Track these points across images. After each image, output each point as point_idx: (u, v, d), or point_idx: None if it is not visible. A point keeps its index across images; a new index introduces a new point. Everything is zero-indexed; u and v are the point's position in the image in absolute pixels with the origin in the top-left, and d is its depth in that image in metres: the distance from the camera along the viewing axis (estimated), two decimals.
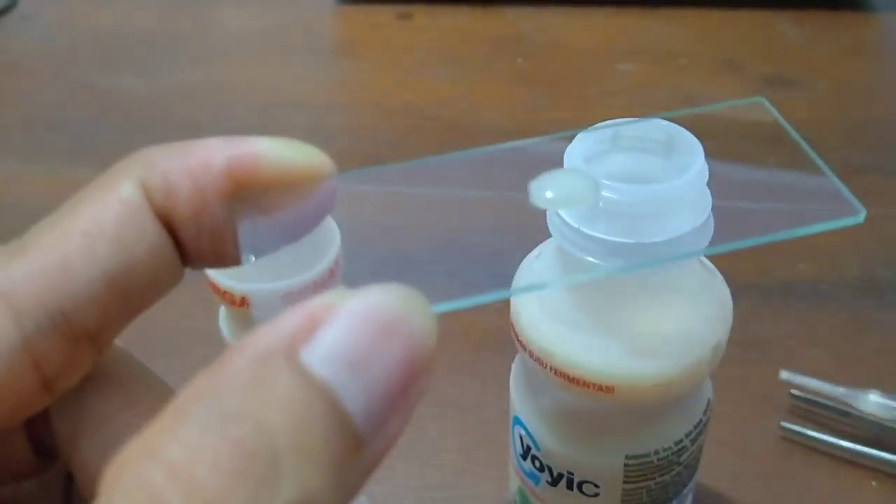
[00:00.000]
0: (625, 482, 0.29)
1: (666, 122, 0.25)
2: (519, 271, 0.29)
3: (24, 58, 0.72)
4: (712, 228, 0.25)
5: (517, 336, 0.28)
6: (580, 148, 0.25)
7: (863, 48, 0.66)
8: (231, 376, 0.13)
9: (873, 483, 0.37)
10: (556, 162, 0.22)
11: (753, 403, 0.40)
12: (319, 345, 0.13)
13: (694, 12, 0.70)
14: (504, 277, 0.19)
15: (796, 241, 0.49)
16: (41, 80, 0.68)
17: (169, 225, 0.17)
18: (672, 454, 0.29)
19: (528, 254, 0.30)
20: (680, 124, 0.25)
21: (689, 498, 0.32)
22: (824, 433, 0.38)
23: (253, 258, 0.17)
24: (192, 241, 0.17)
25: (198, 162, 0.17)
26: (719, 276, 0.28)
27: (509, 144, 0.21)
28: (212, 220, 0.17)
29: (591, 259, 0.25)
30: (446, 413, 0.41)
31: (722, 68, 0.64)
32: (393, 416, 0.14)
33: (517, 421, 0.31)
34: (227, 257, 0.17)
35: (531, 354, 0.27)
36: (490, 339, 0.44)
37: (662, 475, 0.29)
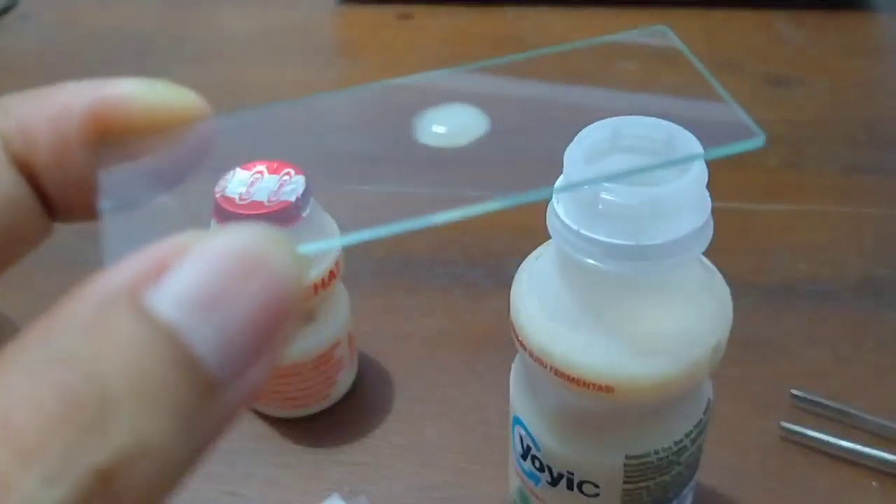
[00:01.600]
0: (625, 482, 0.29)
1: (666, 123, 0.25)
2: (519, 272, 0.29)
3: (24, 58, 0.72)
4: (712, 229, 0.25)
5: (517, 336, 0.28)
6: (580, 148, 0.25)
7: (863, 48, 0.66)
8: (66, 321, 0.12)
9: (873, 483, 0.37)
10: (446, 98, 0.22)
11: (753, 403, 0.40)
12: (167, 286, 0.12)
13: (694, 12, 0.70)
14: (380, 220, 0.18)
15: (796, 242, 0.50)
16: (41, 80, 0.68)
17: (30, 175, 0.16)
18: (672, 454, 0.29)
19: (527, 255, 0.30)
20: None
21: (689, 498, 0.32)
22: (824, 433, 0.38)
23: (112, 207, 0.16)
24: (56, 192, 0.16)
25: (58, 106, 0.16)
26: (719, 276, 0.28)
27: (396, 81, 0.21)
28: (76, 168, 0.16)
29: (590, 261, 0.25)
30: (446, 413, 0.41)
31: (722, 68, 0.64)
32: (254, 361, 0.13)
33: (517, 421, 0.31)
34: (96, 209, 0.16)
35: (531, 354, 0.27)
36: (490, 339, 0.44)
37: (662, 475, 0.29)
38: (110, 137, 0.16)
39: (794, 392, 0.40)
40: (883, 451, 0.37)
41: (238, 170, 0.36)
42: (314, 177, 0.21)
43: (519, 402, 0.30)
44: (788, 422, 0.39)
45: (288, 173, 0.36)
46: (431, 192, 0.20)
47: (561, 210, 0.25)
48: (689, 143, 0.25)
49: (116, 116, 0.16)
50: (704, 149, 0.19)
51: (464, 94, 0.21)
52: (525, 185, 0.18)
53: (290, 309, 0.13)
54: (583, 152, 0.25)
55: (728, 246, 0.49)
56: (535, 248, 0.30)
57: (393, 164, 0.21)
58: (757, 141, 0.18)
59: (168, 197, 0.17)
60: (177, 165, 0.17)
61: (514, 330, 0.28)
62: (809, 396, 0.39)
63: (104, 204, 0.16)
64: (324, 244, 0.16)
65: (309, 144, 0.22)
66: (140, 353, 0.12)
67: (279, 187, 0.35)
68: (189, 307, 0.12)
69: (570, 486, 0.30)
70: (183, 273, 0.13)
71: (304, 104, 0.20)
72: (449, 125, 0.20)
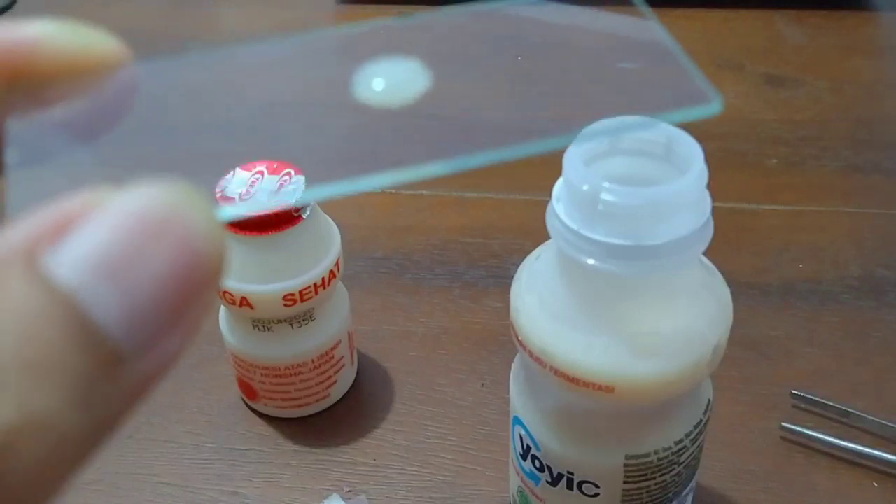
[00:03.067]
0: (625, 482, 0.29)
1: (666, 126, 0.25)
2: (519, 272, 0.29)
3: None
4: (712, 229, 0.25)
5: (517, 336, 0.28)
6: (580, 150, 0.25)
7: (863, 48, 0.66)
8: None
9: (874, 483, 0.37)
10: (383, 49, 0.19)
11: (753, 403, 0.40)
12: (69, 247, 0.11)
13: (694, 12, 0.70)
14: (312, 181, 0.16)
15: (796, 241, 0.50)
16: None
17: None
18: (672, 454, 0.29)
19: (527, 255, 0.30)
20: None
21: (689, 498, 0.32)
22: (824, 433, 0.38)
23: (20, 160, 0.14)
24: None
25: None
26: (719, 276, 0.28)
27: (336, 30, 0.19)
28: None
29: (590, 261, 0.25)
30: (446, 413, 0.41)
31: (722, 68, 0.64)
32: (167, 332, 0.12)
33: (517, 421, 0.31)
34: (2, 162, 0.15)
35: (531, 354, 0.27)
36: (490, 339, 0.44)
37: (662, 475, 0.29)
38: (20, 84, 0.14)
39: (795, 392, 0.40)
40: (883, 451, 0.37)
41: (238, 170, 0.37)
42: (241, 138, 0.20)
43: (519, 402, 0.30)
44: (788, 422, 0.39)
45: (288, 173, 0.36)
46: (371, 153, 0.18)
47: (561, 210, 0.25)
48: (690, 146, 0.25)
49: (26, 61, 0.14)
50: (659, 113, 0.18)
51: (406, 47, 0.19)
52: (467, 148, 0.17)
53: (208, 274, 0.12)
54: (582, 154, 0.25)
55: (728, 246, 0.49)
56: (535, 248, 0.30)
57: (329, 123, 0.19)
58: (712, 107, 0.17)
59: (85, 152, 0.15)
60: (95, 117, 0.15)
61: (514, 330, 0.28)
62: (809, 396, 0.39)
63: (11, 156, 0.14)
64: (247, 206, 0.15)
65: (236, 101, 0.21)
66: (33, 318, 0.11)
67: (279, 187, 0.35)
68: (90, 270, 0.11)
69: (570, 486, 0.30)
70: (87, 233, 0.12)
71: (232, 52, 0.18)
72: (389, 80, 0.19)
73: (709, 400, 0.30)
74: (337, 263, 0.38)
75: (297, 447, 0.40)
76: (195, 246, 0.12)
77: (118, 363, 0.11)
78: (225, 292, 0.36)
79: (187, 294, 0.12)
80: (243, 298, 0.36)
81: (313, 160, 0.18)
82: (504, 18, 0.22)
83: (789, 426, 0.38)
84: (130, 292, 0.11)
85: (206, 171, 0.13)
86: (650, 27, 0.19)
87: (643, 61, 0.20)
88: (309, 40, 0.19)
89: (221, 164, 0.19)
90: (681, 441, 0.29)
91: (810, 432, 0.38)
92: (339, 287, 0.40)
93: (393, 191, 0.54)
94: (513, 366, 0.32)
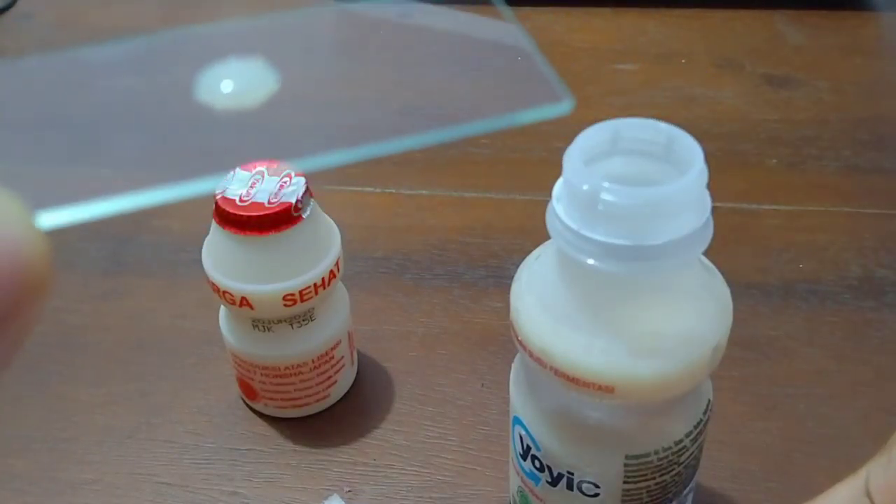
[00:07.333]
0: (625, 482, 0.29)
1: (666, 125, 0.25)
2: (519, 272, 0.29)
3: (24, 58, 0.72)
4: (712, 229, 0.25)
5: (517, 336, 0.28)
6: (580, 150, 0.25)
7: (863, 48, 0.66)
8: None
9: None
10: (224, 51, 0.19)
11: (753, 403, 0.40)
12: None
13: (694, 12, 0.70)
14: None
15: (796, 242, 0.50)
16: (41, 79, 0.68)
17: None
18: (672, 454, 0.29)
19: (527, 255, 0.30)
20: None
21: (689, 498, 0.32)
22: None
23: None
24: None
25: None
26: (719, 276, 0.28)
27: (171, 32, 0.19)
28: None
29: (590, 261, 0.25)
30: (446, 413, 0.41)
31: (722, 68, 0.64)
32: None
33: (517, 421, 0.31)
34: None
35: (531, 354, 0.27)
36: (490, 339, 0.44)
37: (662, 475, 0.29)
38: None
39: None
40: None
41: (238, 170, 0.37)
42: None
43: (519, 402, 0.30)
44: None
45: (288, 175, 0.36)
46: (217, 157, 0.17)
47: (561, 210, 0.25)
48: (690, 146, 0.25)
49: None
50: (512, 112, 0.18)
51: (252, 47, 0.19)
52: (319, 150, 0.16)
53: (33, 283, 0.12)
54: (582, 154, 0.25)
55: (728, 246, 0.49)
56: (535, 248, 0.30)
57: (173, 127, 0.18)
58: (562, 106, 0.17)
59: None
60: None
61: (514, 330, 0.28)
62: None
63: None
64: (66, 214, 0.14)
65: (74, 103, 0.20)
66: None
67: (279, 188, 0.35)
68: None
69: (570, 486, 0.30)
70: None
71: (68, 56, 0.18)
72: (237, 82, 0.18)
73: (709, 400, 0.30)
74: (337, 263, 0.38)
75: (297, 447, 0.40)
76: (18, 256, 0.11)
77: None
78: (225, 292, 0.36)
79: (12, 303, 0.12)
80: (243, 298, 0.36)
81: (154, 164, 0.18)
82: (363, 19, 0.21)
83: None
84: None
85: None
86: (510, 29, 0.19)
87: (500, 62, 0.20)
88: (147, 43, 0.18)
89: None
90: (681, 441, 0.29)
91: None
92: (339, 287, 0.40)
93: (393, 190, 0.54)
94: (513, 366, 0.32)
